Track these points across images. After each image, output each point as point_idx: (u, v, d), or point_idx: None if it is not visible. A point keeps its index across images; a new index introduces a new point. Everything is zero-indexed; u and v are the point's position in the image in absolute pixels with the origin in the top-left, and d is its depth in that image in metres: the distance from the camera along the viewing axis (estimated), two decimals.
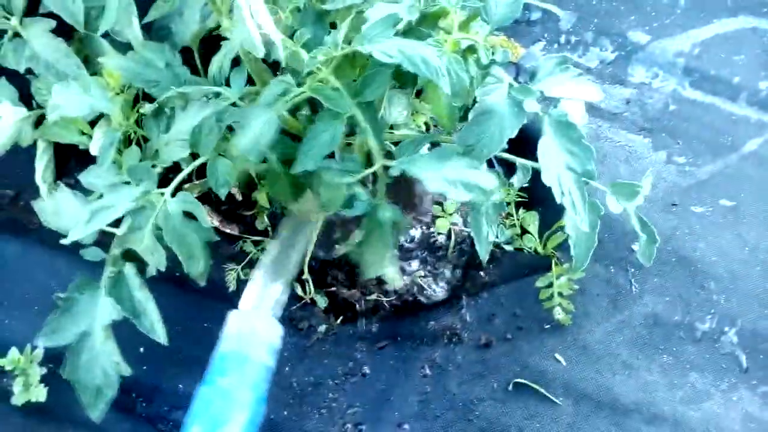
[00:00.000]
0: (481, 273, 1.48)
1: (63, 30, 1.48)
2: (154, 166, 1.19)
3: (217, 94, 1.15)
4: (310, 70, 1.08)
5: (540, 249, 1.49)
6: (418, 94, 1.54)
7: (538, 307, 1.42)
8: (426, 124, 1.54)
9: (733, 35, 1.78)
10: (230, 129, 1.18)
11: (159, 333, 1.23)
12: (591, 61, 1.74)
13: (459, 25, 1.10)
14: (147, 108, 1.19)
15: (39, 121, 1.51)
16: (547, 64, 1.20)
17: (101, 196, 1.20)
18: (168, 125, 1.19)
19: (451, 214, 1.51)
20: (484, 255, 1.28)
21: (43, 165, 1.54)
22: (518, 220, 1.52)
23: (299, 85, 1.08)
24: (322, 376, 1.39)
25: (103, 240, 1.29)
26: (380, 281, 1.45)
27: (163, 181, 1.19)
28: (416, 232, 1.49)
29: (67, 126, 1.51)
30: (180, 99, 1.16)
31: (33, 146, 1.53)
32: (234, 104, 1.14)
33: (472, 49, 1.10)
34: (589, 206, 1.19)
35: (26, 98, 1.51)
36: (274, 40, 1.04)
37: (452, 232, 1.51)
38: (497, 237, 1.47)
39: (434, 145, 1.25)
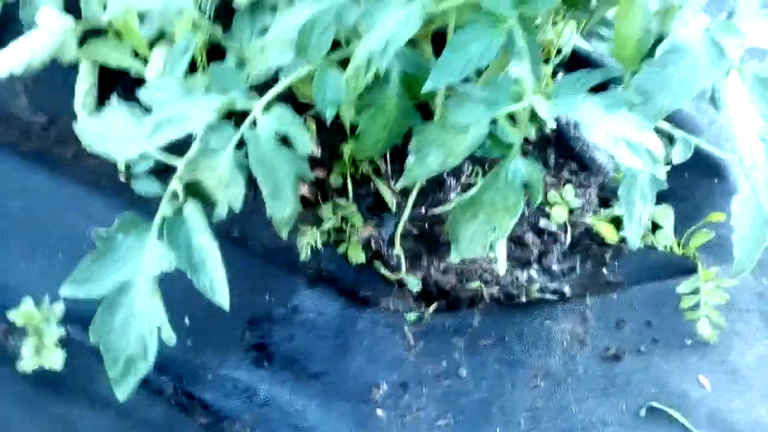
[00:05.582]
0: (605, 271, 1.21)
1: None
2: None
3: None
4: None
5: (676, 248, 1.22)
6: None
7: (677, 316, 1.15)
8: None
9: None
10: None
11: (219, 294, 0.95)
12: None
13: None
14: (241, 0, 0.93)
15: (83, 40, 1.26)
16: (749, 2, 0.95)
17: None
18: (266, 26, 0.92)
19: (568, 202, 1.25)
20: (634, 240, 1.01)
21: (84, 89, 1.29)
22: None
23: None
24: (408, 374, 1.11)
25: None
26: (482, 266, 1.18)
27: None
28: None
29: (118, 46, 1.26)
30: None
31: (72, 68, 1.27)
32: None
33: None
34: None
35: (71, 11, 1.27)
36: None
37: (568, 222, 1.25)
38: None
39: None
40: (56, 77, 1.28)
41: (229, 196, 0.91)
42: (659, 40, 0.88)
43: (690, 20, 0.89)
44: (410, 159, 0.90)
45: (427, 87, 0.81)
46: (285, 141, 0.90)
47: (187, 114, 0.87)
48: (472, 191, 0.90)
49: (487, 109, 0.84)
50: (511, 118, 0.88)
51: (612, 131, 0.83)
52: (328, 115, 0.88)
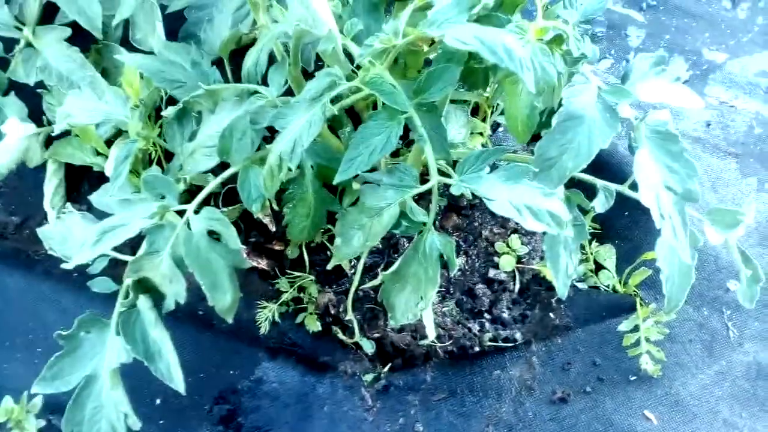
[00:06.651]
0: (552, 315, 1.27)
1: (81, 42, 1.33)
2: (178, 181, 1.00)
3: (253, 94, 0.97)
4: (360, 64, 0.91)
5: (619, 287, 1.28)
6: (474, 112, 1.37)
7: (621, 354, 1.21)
8: (483, 146, 1.36)
9: None
10: (266, 138, 1.00)
11: (175, 379, 1.02)
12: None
13: (542, 13, 0.92)
14: (170, 111, 1.01)
15: (50, 141, 1.36)
16: (642, 65, 1.02)
17: None
18: (194, 132, 1.00)
19: (515, 250, 1.31)
20: (562, 291, 1.07)
21: (52, 189, 1.37)
22: (592, 254, 1.32)
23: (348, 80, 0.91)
24: None
25: (118, 271, 1.11)
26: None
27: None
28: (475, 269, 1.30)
29: (80, 145, 1.35)
30: (209, 100, 0.99)
31: (42, 168, 1.37)
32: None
33: (558, 40, 0.92)
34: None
35: (37, 117, 1.36)
36: (328, 27, 0.87)
37: (516, 269, 1.31)
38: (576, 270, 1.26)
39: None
40: (27, 179, 1.38)
41: (173, 291, 0.98)
42: (553, 111, 0.95)
43: (582, 89, 0.95)
44: (337, 241, 0.97)
45: (337, 180, 0.89)
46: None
47: (126, 221, 0.95)
48: (396, 264, 0.97)
49: (395, 193, 0.91)
50: (426, 194, 0.96)
51: (514, 201, 0.90)
52: (254, 210, 0.96)
